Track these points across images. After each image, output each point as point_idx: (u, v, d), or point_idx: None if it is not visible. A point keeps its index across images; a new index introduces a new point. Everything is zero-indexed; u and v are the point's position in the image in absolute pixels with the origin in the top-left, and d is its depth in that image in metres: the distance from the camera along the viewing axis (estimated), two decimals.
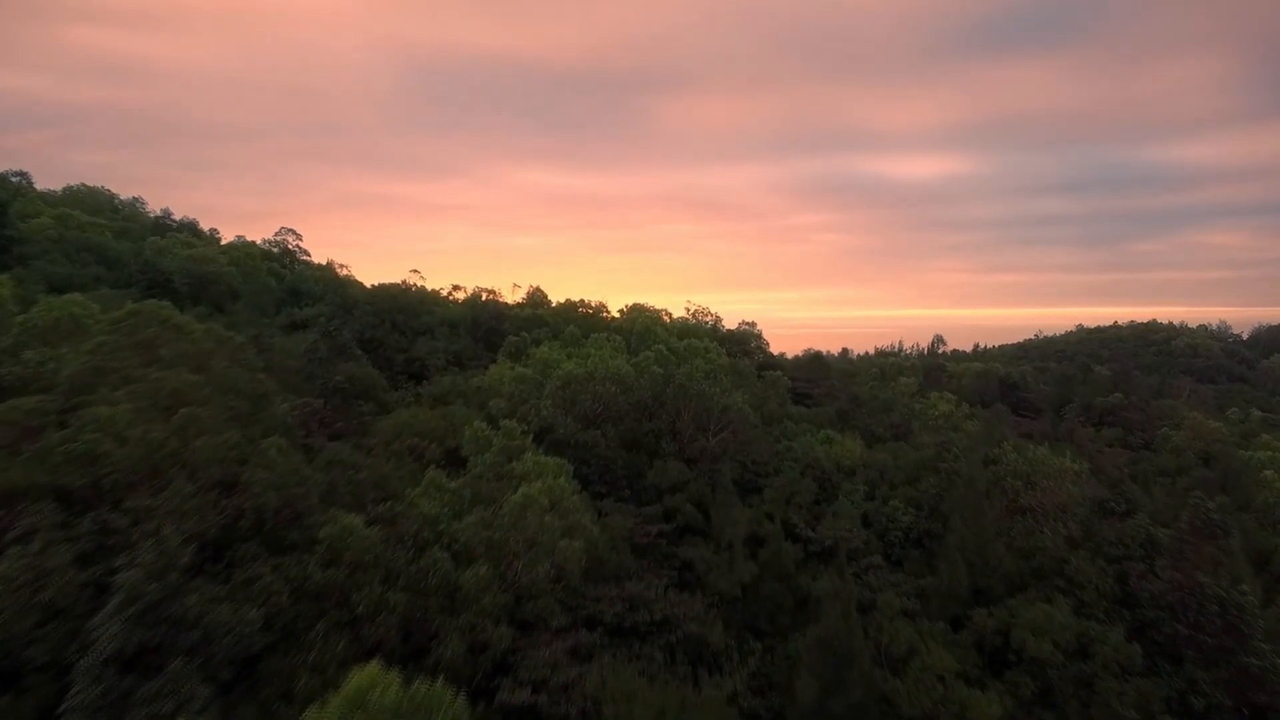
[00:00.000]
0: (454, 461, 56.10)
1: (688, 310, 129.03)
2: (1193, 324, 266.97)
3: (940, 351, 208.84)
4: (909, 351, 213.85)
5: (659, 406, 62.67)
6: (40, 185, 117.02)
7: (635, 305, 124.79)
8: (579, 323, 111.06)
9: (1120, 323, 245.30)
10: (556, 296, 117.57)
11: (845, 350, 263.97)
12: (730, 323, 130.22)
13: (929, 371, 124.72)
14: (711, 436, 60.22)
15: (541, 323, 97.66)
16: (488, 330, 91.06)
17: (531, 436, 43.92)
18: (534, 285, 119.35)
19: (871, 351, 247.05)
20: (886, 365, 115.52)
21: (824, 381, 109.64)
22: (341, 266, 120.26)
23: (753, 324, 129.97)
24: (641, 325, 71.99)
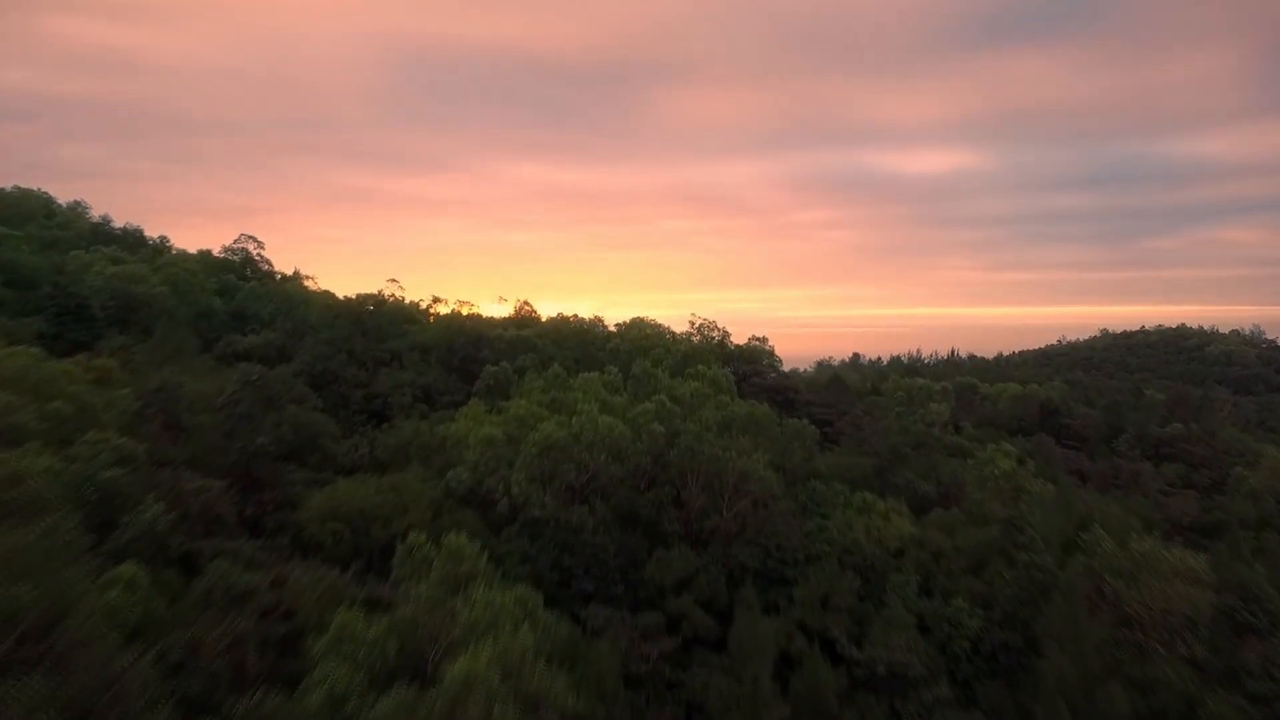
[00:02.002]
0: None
1: (692, 324, 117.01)
2: (1214, 322, 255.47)
3: (961, 360, 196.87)
4: (928, 359, 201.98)
5: (660, 470, 51.19)
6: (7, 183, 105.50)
7: (636, 319, 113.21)
8: (571, 341, 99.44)
9: (1147, 327, 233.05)
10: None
11: (856, 355, 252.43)
12: (736, 328, 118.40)
13: (960, 393, 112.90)
14: (725, 510, 48.67)
15: (527, 346, 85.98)
16: (464, 358, 79.41)
17: (487, 557, 32.31)
18: (522, 300, 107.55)
19: (885, 358, 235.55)
20: (914, 389, 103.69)
21: (848, 411, 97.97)
22: (308, 278, 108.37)
23: (764, 339, 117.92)
24: (640, 368, 60.34)
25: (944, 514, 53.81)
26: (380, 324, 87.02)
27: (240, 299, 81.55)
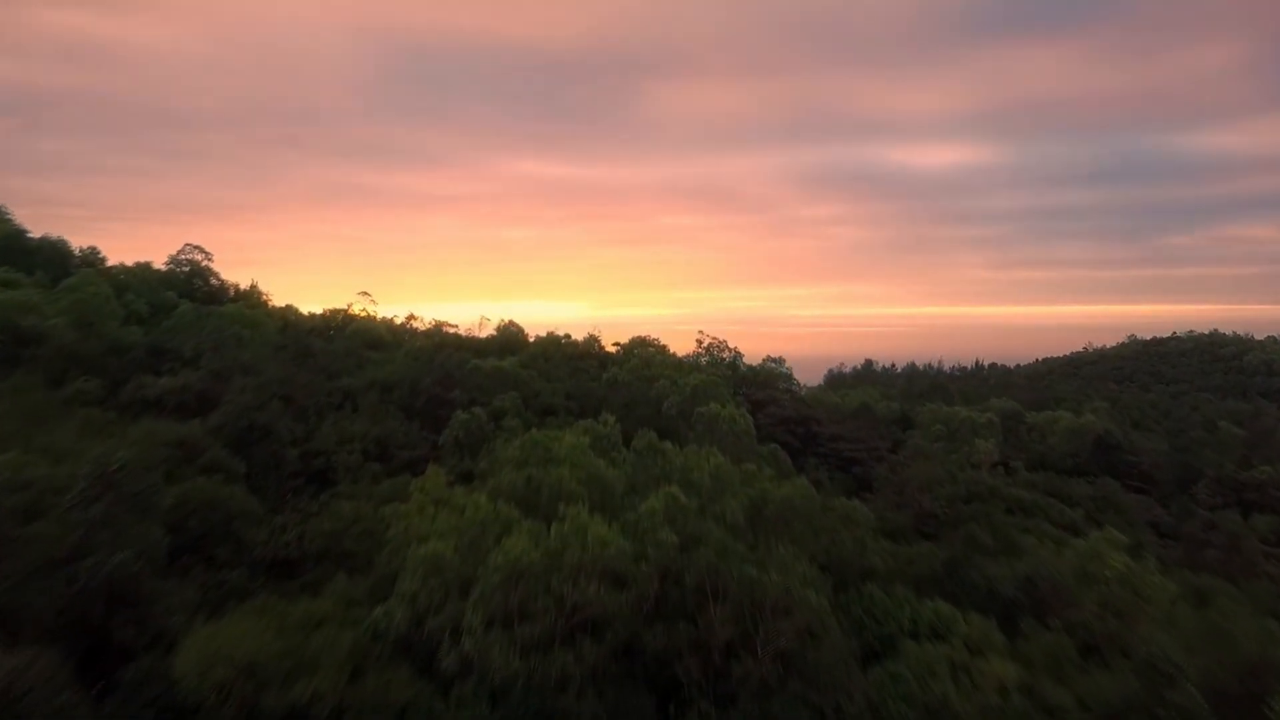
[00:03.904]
0: None
1: (699, 343, 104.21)
2: (1236, 322, 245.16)
3: (984, 370, 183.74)
4: (950, 368, 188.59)
5: (673, 585, 38.16)
6: None
7: (636, 340, 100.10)
8: (560, 372, 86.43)
9: (1179, 333, 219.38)
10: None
11: (869, 362, 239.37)
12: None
13: (1004, 422, 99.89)
14: (761, 649, 35.69)
15: (509, 381, 72.85)
16: (430, 399, 66.21)
17: None
18: (507, 319, 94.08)
19: (899, 363, 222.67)
20: (954, 421, 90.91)
21: (878, 449, 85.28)
22: (264, 295, 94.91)
23: (780, 360, 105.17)
24: (644, 441, 47.40)
25: (1045, 636, 40.81)
26: (335, 354, 73.89)
27: (164, 329, 68.38)
